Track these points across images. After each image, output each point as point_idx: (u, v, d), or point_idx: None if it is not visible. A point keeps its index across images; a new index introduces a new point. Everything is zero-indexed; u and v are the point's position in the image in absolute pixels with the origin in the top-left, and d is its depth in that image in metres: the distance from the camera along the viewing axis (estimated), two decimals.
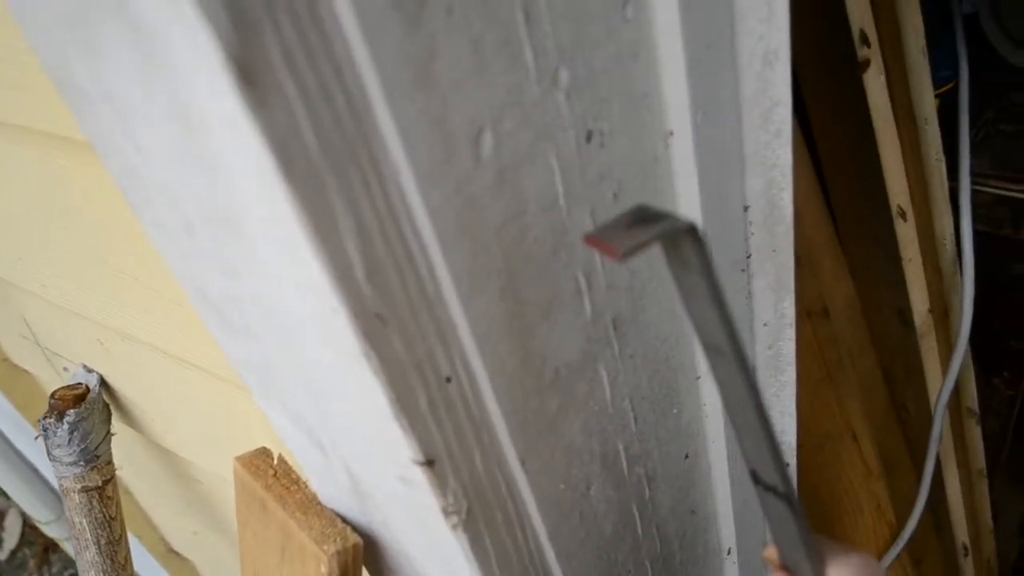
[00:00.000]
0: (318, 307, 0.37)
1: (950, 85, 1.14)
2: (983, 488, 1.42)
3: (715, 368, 0.43)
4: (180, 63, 0.30)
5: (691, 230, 0.37)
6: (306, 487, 0.59)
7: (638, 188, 0.55)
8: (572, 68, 0.45)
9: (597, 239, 0.36)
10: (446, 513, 0.47)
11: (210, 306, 0.45)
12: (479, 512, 0.49)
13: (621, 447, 0.63)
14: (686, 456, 0.75)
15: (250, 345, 0.45)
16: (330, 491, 0.56)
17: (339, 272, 0.35)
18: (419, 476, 0.45)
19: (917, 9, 0.92)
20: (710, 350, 0.42)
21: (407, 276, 0.39)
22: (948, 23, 1.17)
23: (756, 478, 0.47)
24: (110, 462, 0.94)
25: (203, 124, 0.32)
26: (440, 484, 0.45)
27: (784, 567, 0.52)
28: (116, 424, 0.98)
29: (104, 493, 0.93)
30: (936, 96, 1.13)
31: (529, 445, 0.51)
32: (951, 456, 1.30)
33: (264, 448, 0.62)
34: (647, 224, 0.37)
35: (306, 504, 0.57)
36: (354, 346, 0.38)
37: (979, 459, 1.38)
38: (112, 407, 0.96)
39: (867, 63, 0.91)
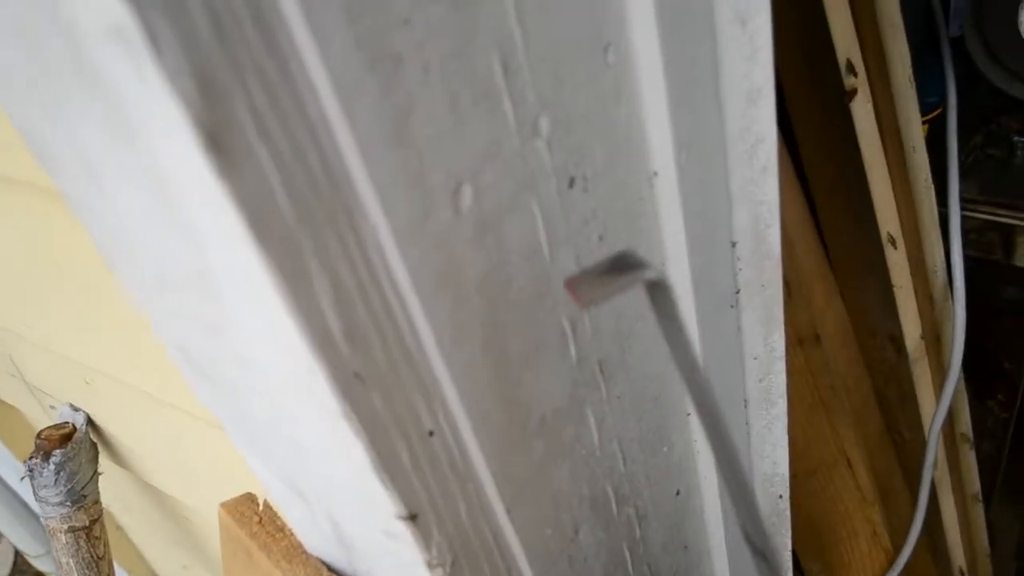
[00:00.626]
0: (296, 368, 0.36)
1: (938, 111, 1.15)
2: (978, 512, 1.42)
3: (697, 408, 0.42)
4: (149, 129, 0.30)
5: (657, 283, 0.36)
6: (292, 535, 0.58)
7: (624, 229, 0.54)
8: (553, 115, 0.45)
9: (572, 285, 0.36)
10: (431, 566, 0.46)
11: (189, 362, 0.44)
12: (465, 563, 0.48)
13: (610, 489, 0.62)
14: (677, 493, 0.74)
15: (230, 400, 0.45)
16: (315, 540, 0.56)
17: (316, 333, 0.35)
18: (403, 530, 0.44)
19: (903, 37, 0.92)
20: (692, 390, 0.41)
21: (387, 334, 0.38)
22: (935, 48, 1.18)
23: (747, 539, 0.47)
24: (97, 501, 0.93)
25: (175, 188, 0.32)
26: (424, 538, 0.45)
27: None
28: (104, 462, 0.98)
29: (91, 533, 0.92)
30: (925, 122, 1.13)
31: (515, 494, 0.51)
32: (946, 481, 1.30)
33: (250, 494, 0.61)
34: (619, 273, 0.37)
35: (291, 552, 0.57)
36: (333, 406, 0.37)
37: (974, 483, 1.38)
38: (99, 445, 0.95)
39: (854, 92, 0.91)
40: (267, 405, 0.43)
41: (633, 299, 0.58)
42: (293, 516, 0.54)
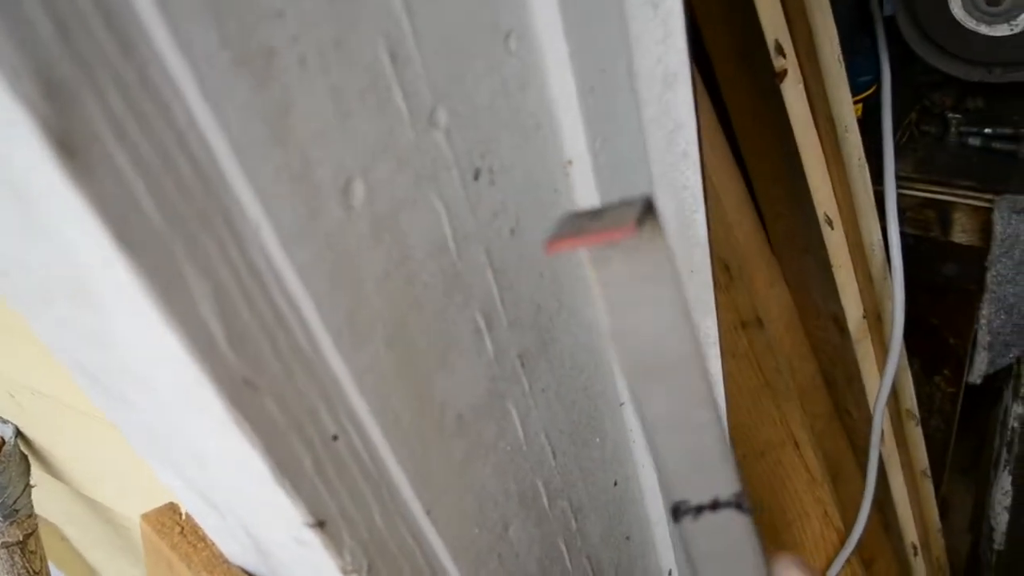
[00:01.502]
0: (181, 378, 0.35)
1: (872, 89, 1.15)
2: (928, 488, 1.43)
3: (651, 390, 0.38)
4: (2, 135, 0.28)
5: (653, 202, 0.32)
6: (213, 545, 0.57)
7: (538, 220, 0.53)
8: (451, 106, 0.44)
9: (573, 238, 0.31)
10: (345, 572, 0.45)
11: (86, 376, 0.43)
12: (382, 567, 0.47)
13: (540, 483, 0.61)
14: (615, 483, 0.74)
15: (130, 413, 0.44)
16: (234, 549, 0.54)
17: (197, 342, 0.33)
18: (312, 537, 0.43)
19: (831, 18, 0.92)
20: (645, 372, 0.37)
21: (278, 338, 0.37)
22: (869, 27, 1.18)
23: (682, 509, 0.43)
24: (31, 515, 0.91)
25: (35, 197, 0.30)
26: (335, 544, 0.44)
27: None
28: (38, 474, 0.96)
29: (26, 547, 0.90)
30: (859, 101, 1.13)
31: (434, 494, 0.50)
32: (895, 458, 1.30)
33: (172, 504, 0.60)
34: (608, 212, 0.32)
35: (213, 563, 0.55)
36: (223, 415, 0.36)
37: (922, 460, 1.39)
38: (31, 458, 0.93)
39: (784, 73, 0.91)
40: (164, 417, 0.41)
41: (556, 290, 0.57)
42: (210, 526, 0.53)
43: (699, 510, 0.42)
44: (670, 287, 0.33)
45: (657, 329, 0.34)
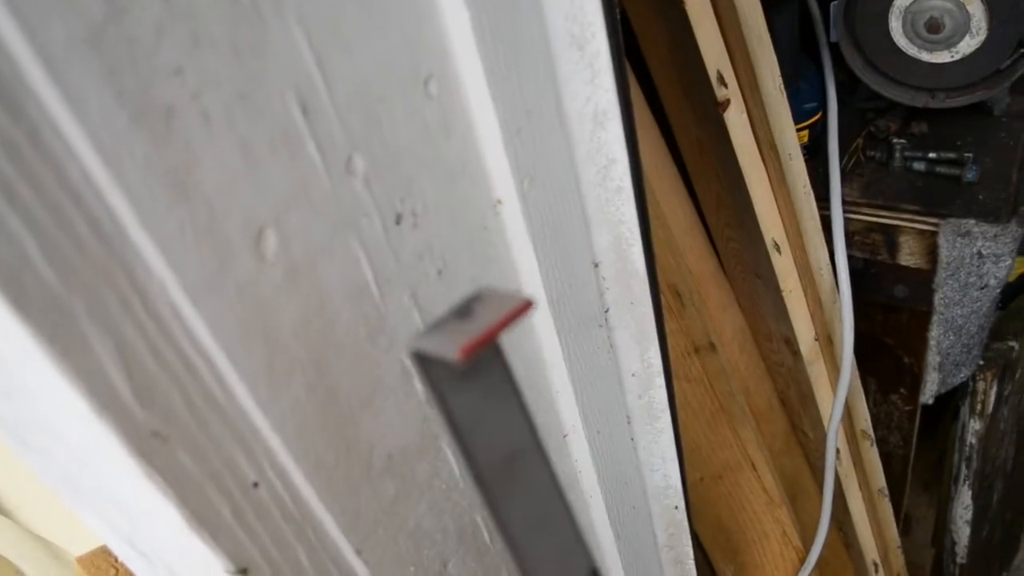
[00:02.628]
0: (89, 432, 0.35)
1: (818, 116, 1.16)
2: (886, 506, 1.44)
3: (509, 491, 0.38)
4: None
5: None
6: None
7: (467, 260, 0.54)
8: (368, 153, 0.44)
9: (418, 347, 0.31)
10: None
11: (4, 427, 0.43)
12: None
13: (479, 519, 0.61)
14: None
15: (48, 463, 0.43)
16: None
17: (100, 397, 0.34)
18: None
19: (771, 49, 0.93)
20: (500, 470, 0.38)
21: (189, 390, 0.37)
22: (815, 54, 1.20)
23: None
24: None
25: None
26: None
27: None
28: None
29: None
30: (805, 127, 1.14)
31: (365, 536, 0.50)
32: (852, 477, 1.31)
33: (105, 547, 0.60)
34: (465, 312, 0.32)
35: None
36: (134, 468, 0.36)
37: (879, 479, 1.40)
38: None
39: (727, 103, 0.92)
40: (80, 466, 0.41)
41: None
42: (139, 570, 0.53)
43: None
44: (511, 389, 0.34)
45: (508, 428, 0.35)
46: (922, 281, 1.17)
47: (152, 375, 0.35)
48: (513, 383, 0.35)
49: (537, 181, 0.56)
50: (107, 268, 0.33)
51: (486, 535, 0.63)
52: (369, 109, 0.43)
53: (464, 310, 0.32)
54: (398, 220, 0.47)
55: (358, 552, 0.50)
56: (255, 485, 0.42)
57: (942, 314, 1.15)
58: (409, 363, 0.50)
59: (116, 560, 0.57)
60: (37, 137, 0.30)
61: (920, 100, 1.15)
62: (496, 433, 0.35)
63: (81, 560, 0.58)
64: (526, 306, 0.32)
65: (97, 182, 0.32)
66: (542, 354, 0.65)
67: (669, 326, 1.02)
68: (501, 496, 0.37)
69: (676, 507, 0.92)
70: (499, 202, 0.55)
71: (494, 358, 0.33)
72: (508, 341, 0.58)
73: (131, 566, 0.52)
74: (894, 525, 1.49)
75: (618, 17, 0.58)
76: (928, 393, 1.27)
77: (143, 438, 0.36)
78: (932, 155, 1.15)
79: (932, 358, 1.22)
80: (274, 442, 0.42)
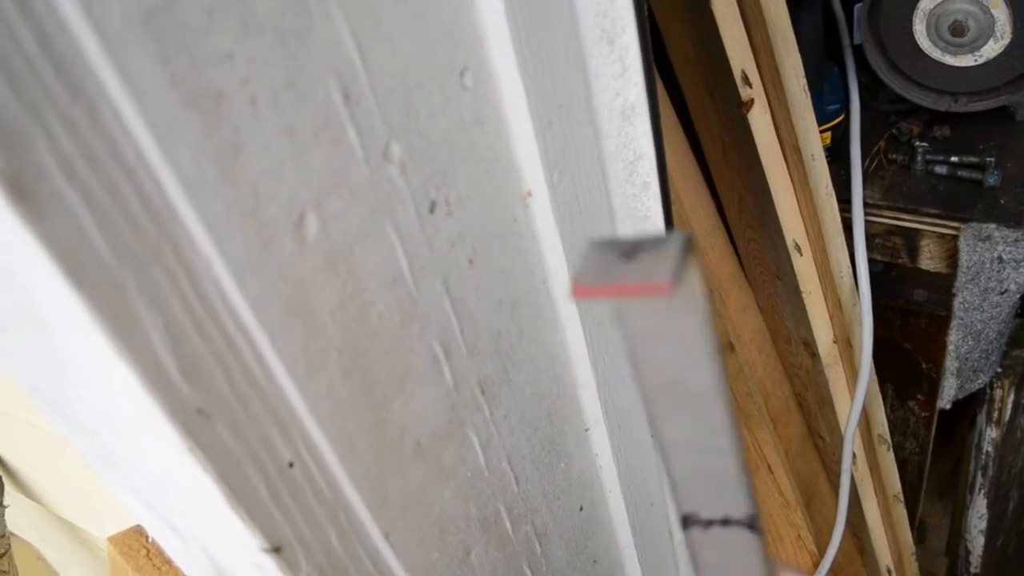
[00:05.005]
0: (136, 407, 0.36)
1: (841, 118, 1.17)
2: (901, 512, 1.44)
3: (671, 416, 0.37)
4: None
5: (687, 244, 0.29)
6: (178, 568, 0.57)
7: (497, 250, 0.55)
8: (406, 141, 0.45)
9: (600, 287, 0.28)
10: None
11: (46, 401, 0.44)
12: None
13: (503, 508, 0.62)
14: (581, 508, 0.75)
15: (88, 438, 0.44)
16: (196, 573, 0.55)
17: (148, 372, 0.34)
18: (268, 562, 0.44)
19: (795, 49, 0.94)
20: (669, 398, 0.35)
21: (231, 367, 0.38)
22: (838, 56, 1.20)
23: (692, 520, 0.43)
24: (4, 535, 0.91)
25: None
26: (292, 569, 0.45)
27: None
28: (15, 495, 0.96)
29: None
30: (828, 129, 1.15)
31: (393, 519, 0.51)
32: (867, 482, 1.31)
33: (138, 527, 0.61)
34: (640, 249, 0.29)
35: None
36: (177, 443, 0.37)
37: (895, 484, 1.40)
38: (6, 479, 0.94)
39: (751, 102, 0.92)
40: (123, 443, 0.42)
41: (517, 318, 0.58)
42: (172, 549, 0.54)
43: (709, 523, 0.42)
44: (701, 327, 0.31)
45: (683, 364, 0.33)
46: (942, 285, 1.17)
47: (197, 352, 0.36)
48: (706, 315, 0.30)
49: (566, 174, 0.57)
50: (157, 244, 0.34)
51: (508, 525, 0.63)
52: (407, 98, 0.44)
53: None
54: (432, 208, 0.48)
55: (386, 536, 0.51)
56: (290, 465, 0.43)
57: (961, 319, 1.15)
58: (439, 350, 0.51)
59: (147, 540, 0.58)
60: (95, 114, 0.30)
61: (943, 104, 1.16)
62: (673, 359, 0.32)
63: (113, 539, 0.59)
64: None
65: (150, 161, 0.33)
66: (567, 347, 0.65)
67: None
68: (666, 420, 0.35)
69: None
70: (529, 194, 0.56)
71: (690, 283, 0.29)
72: (534, 332, 0.59)
73: (164, 544, 0.53)
74: (909, 532, 1.49)
75: (647, 13, 0.59)
76: (946, 398, 1.27)
77: (188, 414, 0.36)
78: (954, 159, 1.15)
79: (950, 363, 1.22)
80: (309, 423, 0.43)
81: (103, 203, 0.31)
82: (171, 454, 0.38)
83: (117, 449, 0.44)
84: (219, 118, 0.35)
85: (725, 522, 0.42)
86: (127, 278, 0.33)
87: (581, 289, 0.28)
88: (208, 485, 0.39)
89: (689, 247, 0.28)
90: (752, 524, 0.40)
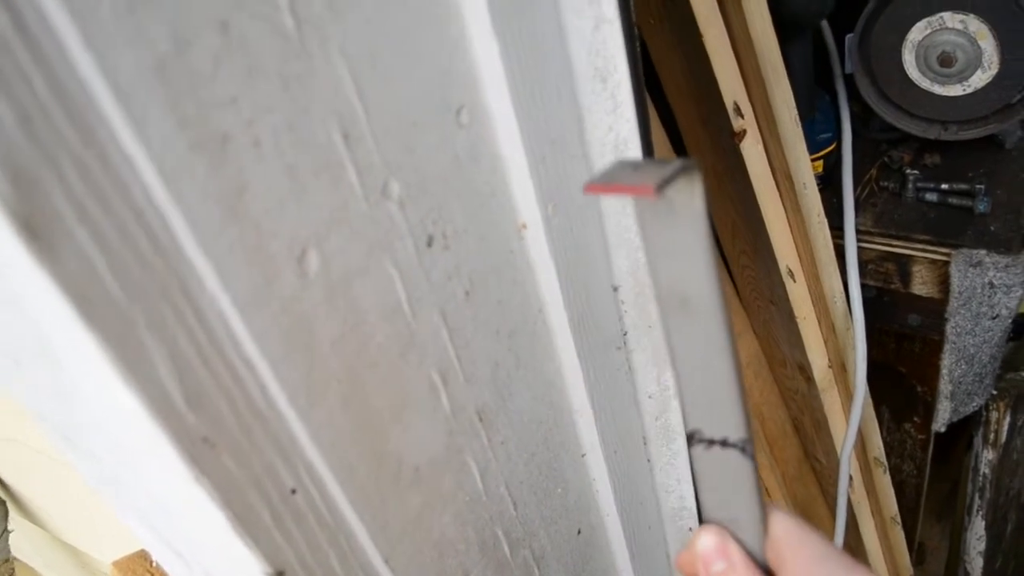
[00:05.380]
0: (143, 435, 0.38)
1: (833, 146, 1.19)
2: (898, 534, 1.45)
3: (678, 329, 0.40)
4: None
5: (690, 167, 0.35)
6: None
7: (494, 281, 0.56)
8: (403, 179, 0.46)
9: (605, 186, 0.34)
10: None
11: (54, 429, 0.45)
12: None
13: (501, 532, 0.63)
14: (579, 532, 0.76)
15: (96, 465, 0.46)
16: None
17: (155, 403, 0.36)
18: None
19: (786, 81, 0.96)
20: (678, 308, 0.39)
21: (235, 398, 0.39)
22: (830, 86, 1.22)
23: (697, 438, 0.45)
24: (8, 559, 0.93)
25: (3, 272, 0.33)
26: None
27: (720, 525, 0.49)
28: (19, 520, 0.97)
29: None
30: (820, 158, 1.17)
31: (393, 544, 0.52)
32: (864, 505, 1.32)
33: (142, 551, 0.62)
34: (649, 167, 0.35)
35: None
36: (183, 471, 0.38)
37: (892, 506, 1.41)
38: (10, 503, 0.95)
39: (743, 133, 0.94)
40: (128, 469, 0.43)
41: (513, 346, 0.60)
42: (176, 574, 0.55)
43: (710, 443, 0.45)
44: (700, 239, 0.36)
45: (686, 275, 0.38)
46: (934, 310, 1.19)
47: (202, 383, 0.38)
48: (704, 230, 0.36)
49: (561, 207, 0.58)
50: (164, 281, 0.35)
51: (506, 549, 0.65)
52: (405, 136, 0.46)
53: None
54: (430, 242, 0.49)
55: (386, 560, 0.52)
56: (293, 492, 0.44)
57: (954, 343, 1.17)
58: (437, 379, 0.53)
59: (151, 564, 0.59)
60: (106, 158, 0.32)
61: (933, 132, 1.18)
62: (679, 270, 0.38)
63: (117, 564, 0.60)
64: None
65: (158, 202, 0.34)
66: (563, 374, 0.67)
67: None
68: (674, 330, 0.40)
69: (690, 528, 0.93)
70: (524, 226, 0.58)
71: (691, 201, 0.36)
72: (531, 361, 0.60)
73: (169, 569, 0.55)
74: (907, 554, 1.50)
75: (638, 50, 0.60)
76: (940, 421, 1.28)
77: (194, 443, 0.38)
78: (944, 186, 1.17)
79: (944, 387, 1.23)
80: (311, 451, 0.45)
81: (113, 242, 0.33)
82: (177, 481, 0.40)
83: (123, 476, 0.45)
84: (224, 160, 0.36)
85: (724, 443, 0.44)
86: (135, 313, 0.34)
87: (591, 187, 0.34)
88: (213, 511, 0.41)
89: (691, 170, 0.35)
90: (746, 448, 0.43)
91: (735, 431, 0.43)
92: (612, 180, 0.35)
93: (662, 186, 0.33)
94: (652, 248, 0.38)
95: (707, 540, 0.45)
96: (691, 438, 0.45)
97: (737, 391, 0.42)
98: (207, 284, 0.37)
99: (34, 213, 0.30)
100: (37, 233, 0.30)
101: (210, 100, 0.35)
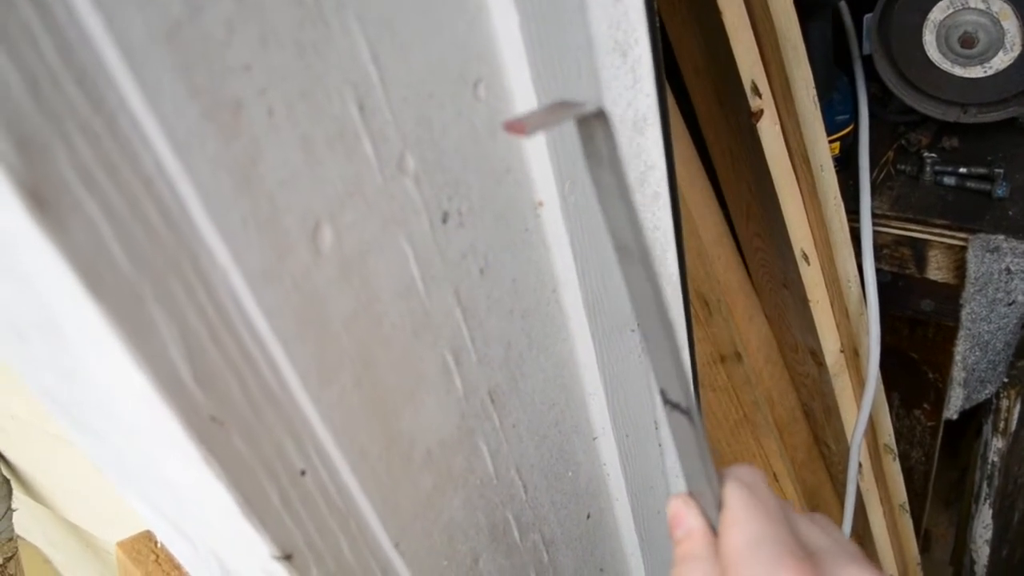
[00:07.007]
0: (150, 413, 0.36)
1: (850, 128, 1.17)
2: (906, 521, 1.44)
3: (626, 273, 0.41)
4: None
5: (599, 113, 0.36)
6: (187, 574, 0.58)
7: (508, 260, 0.55)
8: (419, 152, 0.45)
9: (512, 123, 0.35)
10: None
11: (58, 407, 0.44)
12: None
13: (511, 516, 0.62)
14: (588, 516, 0.75)
15: (100, 443, 0.45)
16: None
17: (164, 380, 0.35)
18: (279, 569, 0.44)
19: (806, 60, 0.94)
20: (620, 251, 0.40)
21: (245, 377, 0.38)
22: (847, 66, 1.20)
23: (664, 397, 0.46)
24: (11, 539, 0.92)
25: (9, 243, 0.32)
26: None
27: (689, 494, 0.49)
28: (23, 498, 0.96)
29: (5, 571, 0.91)
30: (837, 139, 1.15)
31: (403, 527, 0.51)
32: (873, 492, 1.32)
33: (147, 532, 0.61)
34: (560, 109, 0.36)
35: None
36: (191, 451, 0.37)
37: (900, 493, 1.40)
38: (14, 482, 0.94)
39: (760, 113, 0.93)
40: (134, 448, 0.42)
41: (527, 327, 0.59)
42: (182, 555, 0.54)
43: (673, 406, 0.45)
44: (618, 185, 0.37)
45: (619, 221, 0.39)
46: (949, 296, 1.17)
47: (212, 361, 0.37)
48: (616, 176, 0.38)
49: (578, 184, 0.57)
50: (175, 255, 0.34)
51: (516, 533, 0.64)
52: (421, 109, 0.45)
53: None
54: (445, 219, 0.48)
55: (396, 544, 0.51)
56: (302, 473, 0.43)
57: (969, 329, 1.15)
58: (450, 359, 0.51)
59: (156, 545, 0.58)
60: (115, 126, 0.31)
61: (952, 115, 1.16)
62: (615, 218, 0.39)
63: (122, 544, 0.59)
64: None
65: (169, 171, 0.33)
66: (576, 356, 0.66)
67: (696, 334, 1.03)
68: (627, 281, 0.41)
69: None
70: (540, 204, 0.56)
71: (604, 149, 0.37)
72: (544, 341, 0.59)
73: (174, 549, 0.54)
74: (914, 541, 1.49)
75: (658, 24, 0.59)
76: (952, 408, 1.27)
77: (202, 422, 0.37)
78: (963, 170, 1.15)
79: (957, 373, 1.22)
80: (321, 432, 0.44)
81: (122, 213, 0.32)
82: (185, 461, 0.39)
83: (129, 455, 0.44)
84: (237, 129, 0.35)
85: (677, 407, 0.45)
86: (144, 288, 0.33)
87: (505, 123, 0.35)
88: (221, 492, 0.40)
89: (599, 116, 0.36)
90: (691, 415, 0.44)
91: (680, 396, 0.44)
92: (519, 119, 0.35)
93: (536, 127, 0.34)
94: (599, 199, 0.39)
95: (671, 506, 0.47)
96: (662, 395, 0.46)
97: (673, 352, 0.43)
98: (218, 258, 0.36)
99: (41, 182, 0.29)
100: (44, 202, 0.29)
101: (223, 67, 0.34)
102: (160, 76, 0.32)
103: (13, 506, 0.92)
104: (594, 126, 0.36)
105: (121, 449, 0.44)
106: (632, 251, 0.39)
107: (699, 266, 1.01)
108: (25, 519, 1.01)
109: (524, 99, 0.51)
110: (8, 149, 0.28)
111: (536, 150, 0.53)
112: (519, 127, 0.34)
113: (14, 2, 0.27)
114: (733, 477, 0.46)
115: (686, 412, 0.44)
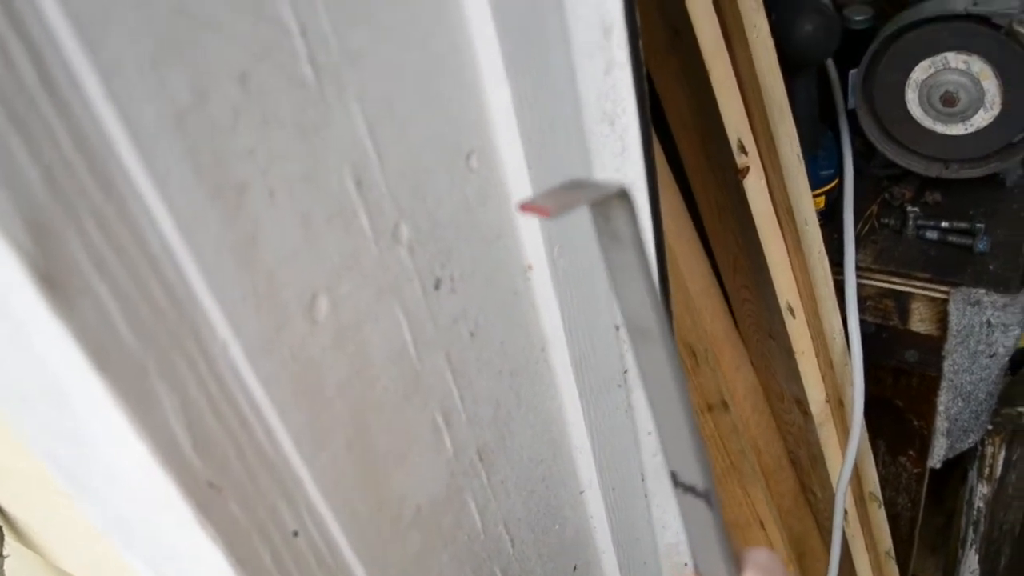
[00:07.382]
0: (149, 479, 0.38)
1: (835, 182, 1.19)
2: (892, 568, 1.45)
3: (640, 353, 0.40)
4: None
5: (622, 194, 0.35)
6: None
7: (498, 322, 0.56)
8: (413, 223, 0.47)
9: (531, 205, 0.34)
10: None
11: (60, 468, 0.45)
12: None
13: (498, 570, 0.63)
14: (575, 568, 0.76)
15: (101, 505, 0.46)
16: None
17: (164, 449, 0.36)
18: None
19: (790, 118, 0.96)
20: (636, 332, 0.40)
21: (242, 444, 0.40)
22: (832, 121, 1.22)
23: (676, 479, 0.46)
24: None
25: (21, 319, 0.33)
26: None
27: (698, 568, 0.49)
28: (14, 545, 0.97)
29: None
30: (822, 194, 1.17)
31: None
32: (859, 539, 1.32)
33: None
34: (580, 189, 0.36)
35: None
36: (188, 515, 0.38)
37: (886, 540, 1.41)
38: (6, 529, 0.95)
39: (747, 170, 0.95)
40: (136, 512, 0.43)
41: (514, 384, 0.60)
42: None
43: (686, 488, 0.45)
44: (638, 266, 0.36)
45: (637, 301, 0.38)
46: (932, 347, 1.19)
47: (210, 429, 0.38)
48: (637, 256, 0.37)
49: (566, 248, 0.58)
50: (178, 330, 0.35)
51: None
52: (416, 181, 0.46)
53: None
54: (437, 285, 0.50)
55: None
56: (295, 534, 0.44)
57: (951, 380, 1.17)
58: (440, 420, 0.53)
59: None
60: (124, 209, 0.32)
61: (934, 170, 1.18)
62: (632, 299, 0.38)
63: None
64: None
65: (174, 251, 0.34)
66: (564, 414, 0.67)
67: None
68: (641, 362, 0.40)
69: (686, 564, 0.93)
70: (530, 267, 0.58)
71: (625, 228, 0.36)
72: (532, 400, 0.60)
73: None
74: None
75: (647, 91, 0.61)
76: (936, 458, 1.28)
77: (200, 488, 0.38)
78: (945, 224, 1.17)
79: (940, 423, 1.23)
80: (314, 494, 0.45)
81: (129, 292, 0.33)
82: (182, 524, 0.40)
83: (128, 515, 0.45)
84: (239, 209, 0.36)
85: (693, 491, 0.44)
86: (148, 362, 0.34)
87: (523, 206, 0.34)
88: (216, 555, 0.41)
89: (621, 196, 0.35)
90: (709, 499, 0.44)
91: (700, 480, 0.44)
92: (537, 201, 0.35)
93: (556, 208, 0.34)
94: (612, 277, 0.38)
95: None
96: (673, 479, 0.45)
97: (692, 434, 0.42)
98: (219, 332, 0.37)
99: (53, 266, 0.30)
100: (55, 285, 0.31)
101: (228, 151, 0.36)
102: (168, 161, 0.33)
103: (5, 552, 0.93)
104: (614, 206, 0.36)
105: (121, 512, 0.45)
106: (651, 332, 0.39)
107: (687, 316, 1.03)
108: (16, 566, 1.01)
109: (515, 168, 0.53)
110: (23, 236, 0.29)
111: (526, 217, 0.55)
112: (543, 210, 0.34)
113: (35, 100, 0.29)
114: (752, 564, 0.46)
115: (703, 495, 0.44)
